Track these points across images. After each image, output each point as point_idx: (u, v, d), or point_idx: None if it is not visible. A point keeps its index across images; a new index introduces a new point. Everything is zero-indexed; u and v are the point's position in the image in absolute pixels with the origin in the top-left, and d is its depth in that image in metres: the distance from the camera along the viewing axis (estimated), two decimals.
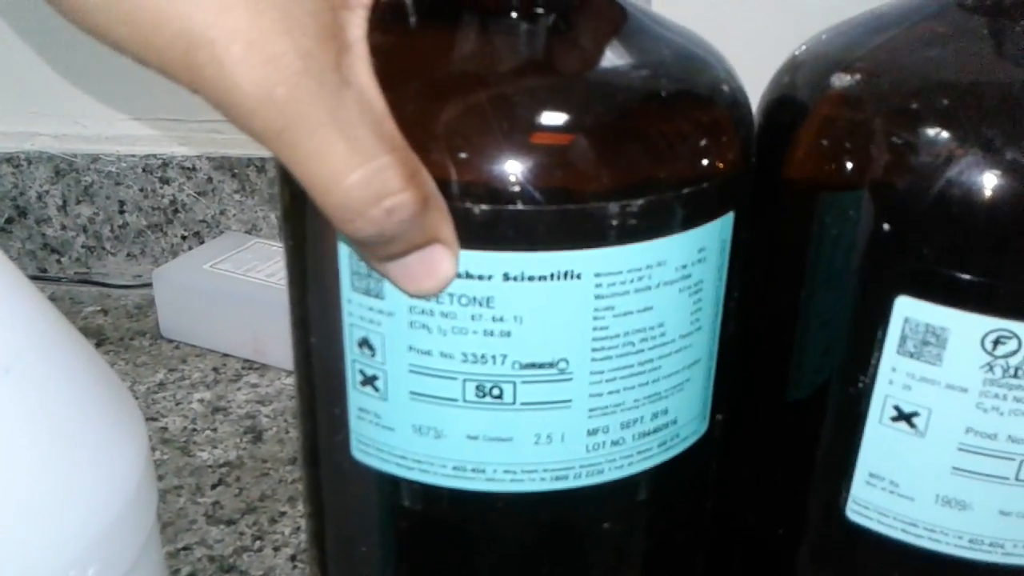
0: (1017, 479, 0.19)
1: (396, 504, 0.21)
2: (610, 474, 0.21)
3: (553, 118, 0.18)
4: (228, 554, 0.34)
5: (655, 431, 0.21)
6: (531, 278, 0.18)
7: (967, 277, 0.18)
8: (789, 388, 0.22)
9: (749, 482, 0.24)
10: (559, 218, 0.18)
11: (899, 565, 0.21)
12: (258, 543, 0.35)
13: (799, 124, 0.21)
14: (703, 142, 0.19)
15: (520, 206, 0.18)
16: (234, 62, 0.14)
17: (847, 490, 0.21)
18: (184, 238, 0.55)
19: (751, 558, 0.24)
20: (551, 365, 0.19)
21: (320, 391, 0.22)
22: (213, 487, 0.37)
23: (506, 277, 0.18)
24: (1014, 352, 0.18)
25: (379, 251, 0.17)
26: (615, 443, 0.20)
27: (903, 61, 0.20)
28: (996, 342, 0.18)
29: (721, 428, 0.24)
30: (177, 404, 0.43)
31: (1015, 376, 0.18)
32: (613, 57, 0.19)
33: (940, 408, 0.19)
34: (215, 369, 0.46)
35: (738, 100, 0.21)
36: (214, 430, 0.41)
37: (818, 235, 0.21)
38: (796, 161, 0.21)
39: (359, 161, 0.15)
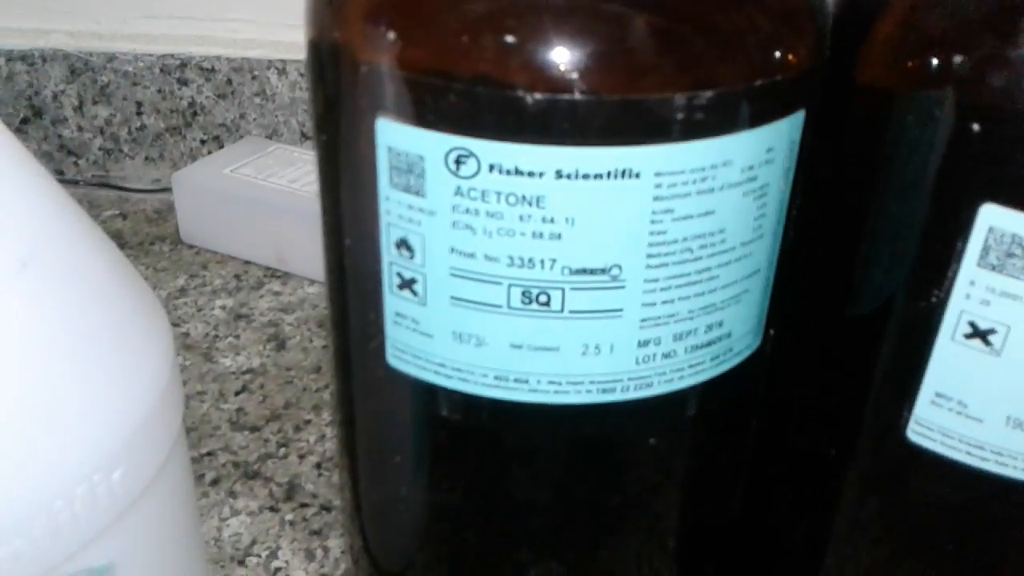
0: None
1: (433, 414, 0.20)
2: (659, 388, 0.20)
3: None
4: (252, 460, 0.34)
5: (708, 344, 0.20)
6: (586, 176, 0.17)
7: None
8: (851, 302, 0.21)
9: (800, 401, 0.23)
10: (619, 110, 0.17)
11: (961, 489, 0.20)
12: (283, 450, 0.34)
13: (878, 16, 0.19)
14: (778, 31, 0.18)
15: (577, 96, 0.16)
16: None
17: (909, 410, 0.20)
18: (203, 142, 0.53)
19: (800, 480, 0.24)
20: (603, 271, 0.18)
21: (354, 296, 0.21)
22: (237, 394, 0.37)
23: (559, 174, 0.17)
24: None
25: None
26: (666, 355, 0.19)
27: None
28: None
29: (773, 343, 0.23)
30: (199, 310, 0.42)
31: None
32: None
33: (1021, 325, 0.18)
34: (237, 276, 0.45)
35: None
36: (237, 337, 0.40)
37: (894, 138, 0.19)
38: (873, 57, 0.19)
39: None
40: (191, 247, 0.47)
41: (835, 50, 0.20)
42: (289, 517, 0.31)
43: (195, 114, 0.53)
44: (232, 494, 0.32)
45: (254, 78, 0.52)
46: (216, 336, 0.40)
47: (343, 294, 0.21)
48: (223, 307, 0.42)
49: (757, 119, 0.18)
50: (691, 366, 0.20)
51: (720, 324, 0.20)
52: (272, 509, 0.31)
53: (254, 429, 0.35)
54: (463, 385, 0.19)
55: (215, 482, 0.32)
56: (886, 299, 0.20)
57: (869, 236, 0.20)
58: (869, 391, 0.21)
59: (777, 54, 0.18)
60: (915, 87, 0.19)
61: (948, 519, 0.21)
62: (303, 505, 0.32)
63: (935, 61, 0.18)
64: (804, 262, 0.22)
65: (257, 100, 0.52)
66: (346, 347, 0.22)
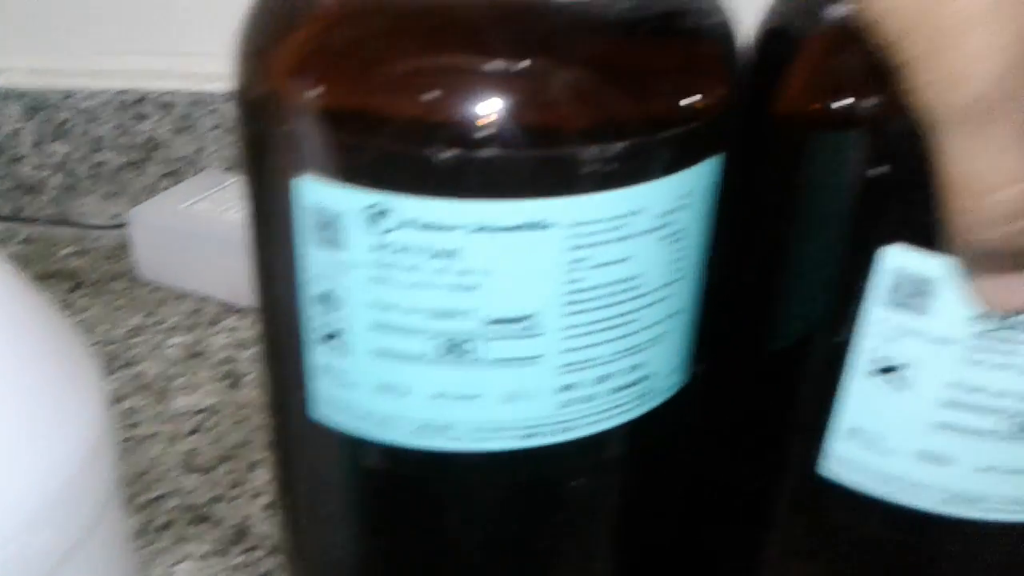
0: (1002, 434, 0.19)
1: (360, 463, 0.20)
2: (583, 430, 0.20)
3: (523, 53, 0.17)
4: (203, 503, 0.34)
5: (631, 385, 0.20)
6: (500, 229, 0.17)
7: None
8: (771, 338, 0.21)
9: (726, 435, 0.23)
10: (530, 164, 0.17)
11: (876, 521, 0.21)
12: (234, 491, 0.34)
13: (791, 59, 0.20)
14: (689, 78, 0.18)
15: (488, 151, 0.17)
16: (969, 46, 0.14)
17: (825, 445, 0.20)
18: (163, 176, 0.53)
19: (727, 513, 0.24)
20: (519, 320, 0.18)
21: (281, 346, 0.21)
22: (189, 434, 0.37)
23: (473, 228, 0.17)
24: None
25: (985, 264, 0.16)
26: (588, 399, 0.20)
27: None
28: None
29: (703, 379, 0.23)
30: (154, 349, 0.42)
31: (1010, 328, 0.18)
32: None
33: (926, 361, 0.19)
34: (193, 312, 0.45)
35: (728, 32, 0.19)
36: (191, 375, 0.40)
37: (807, 179, 0.20)
38: (787, 99, 0.20)
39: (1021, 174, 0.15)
40: (148, 284, 0.47)
41: (754, 91, 0.20)
42: (237, 561, 0.31)
43: (154, 148, 0.53)
44: (181, 539, 0.32)
45: (212, 111, 0.52)
46: (170, 376, 0.40)
47: (272, 343, 0.21)
48: (178, 345, 0.42)
49: (670, 167, 0.18)
50: (614, 407, 0.20)
51: (642, 365, 0.20)
52: (221, 553, 0.31)
53: (206, 470, 0.35)
54: (388, 435, 0.20)
55: (165, 527, 0.32)
56: (803, 335, 0.21)
57: (786, 274, 0.21)
58: (788, 426, 0.21)
59: (689, 102, 0.18)
60: (825, 129, 0.19)
61: (867, 552, 0.21)
62: (252, 548, 0.32)
63: (842, 104, 0.19)
64: (729, 298, 0.22)
65: (216, 133, 0.53)
66: (277, 394, 0.22)
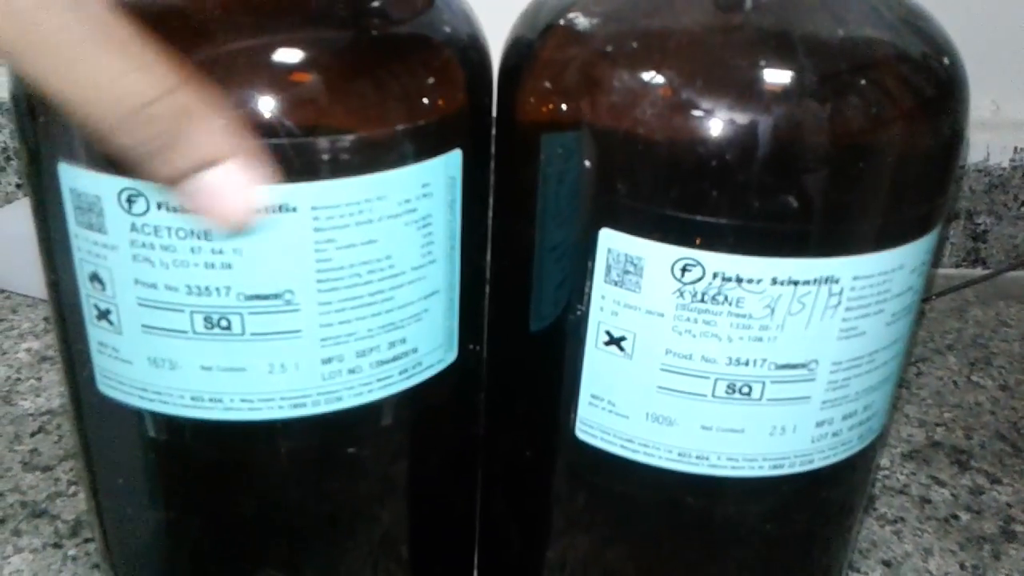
0: (713, 395, 0.21)
1: (143, 435, 0.22)
2: (349, 401, 0.22)
3: (262, 51, 0.19)
4: (41, 499, 0.34)
5: (394, 359, 0.22)
6: None
7: (656, 210, 0.20)
8: (531, 318, 0.24)
9: (503, 408, 0.25)
10: (270, 152, 0.19)
11: (623, 479, 0.23)
12: (73, 488, 0.35)
13: (526, 66, 0.22)
14: (417, 81, 0.20)
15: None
16: None
17: (575, 411, 0.23)
18: (19, 186, 0.54)
19: (509, 481, 0.26)
20: (276, 296, 0.20)
21: (67, 327, 0.22)
22: (32, 435, 0.37)
23: None
24: (699, 279, 0.20)
25: (157, 167, 0.16)
26: (352, 371, 0.21)
27: (606, 5, 0.21)
28: (684, 270, 0.20)
29: (478, 358, 0.25)
30: (3, 354, 0.42)
31: (702, 301, 0.20)
32: None
33: (642, 332, 0.21)
34: (46, 319, 0.45)
35: (465, 42, 0.22)
36: (39, 379, 0.41)
37: (542, 171, 0.22)
38: (523, 101, 0.22)
39: (113, 74, 0.15)
40: (2, 292, 0.48)
41: (503, 94, 0.23)
42: (72, 553, 0.32)
43: (9, 159, 0.53)
44: (17, 533, 0.33)
45: None
46: (18, 379, 0.41)
47: (60, 327, 0.22)
48: (28, 350, 0.43)
49: (407, 158, 0.20)
50: (379, 380, 0.22)
51: (404, 341, 0.22)
52: (56, 546, 0.32)
53: (46, 469, 0.36)
54: (164, 407, 0.21)
55: (0, 522, 0.33)
56: (553, 314, 0.23)
57: (538, 259, 0.23)
58: (548, 396, 0.23)
59: (421, 102, 0.20)
60: (549, 128, 0.21)
61: (622, 507, 0.24)
62: (87, 540, 0.32)
63: (560, 106, 0.21)
64: (496, 284, 0.25)
65: None
66: (71, 375, 0.23)
